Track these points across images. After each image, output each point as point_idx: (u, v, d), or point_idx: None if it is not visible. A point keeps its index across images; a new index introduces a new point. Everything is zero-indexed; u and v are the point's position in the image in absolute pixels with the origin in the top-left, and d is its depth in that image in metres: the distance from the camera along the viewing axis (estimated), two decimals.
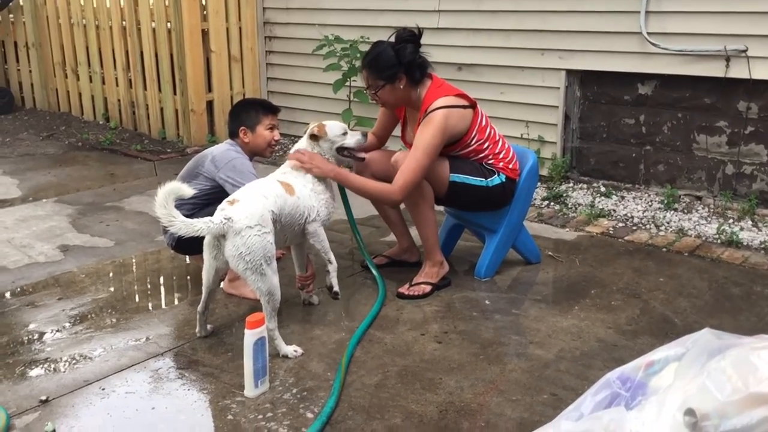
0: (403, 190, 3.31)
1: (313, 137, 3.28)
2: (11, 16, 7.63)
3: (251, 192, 2.97)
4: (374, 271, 3.64)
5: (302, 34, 6.39)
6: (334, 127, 3.33)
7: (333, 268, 3.23)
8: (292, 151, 3.31)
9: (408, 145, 3.64)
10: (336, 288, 3.24)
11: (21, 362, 2.93)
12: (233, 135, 3.56)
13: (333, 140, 3.31)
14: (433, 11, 5.53)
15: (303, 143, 3.32)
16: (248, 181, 3.25)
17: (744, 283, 3.63)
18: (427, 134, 3.30)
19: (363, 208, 4.16)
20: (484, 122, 3.50)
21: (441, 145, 3.34)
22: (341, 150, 3.34)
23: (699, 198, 4.76)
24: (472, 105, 3.45)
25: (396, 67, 3.37)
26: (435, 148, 3.32)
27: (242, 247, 2.79)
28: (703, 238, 4.22)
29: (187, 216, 2.78)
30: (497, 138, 3.56)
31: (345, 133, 3.34)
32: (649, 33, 4.64)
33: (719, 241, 4.16)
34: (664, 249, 4.09)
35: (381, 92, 3.44)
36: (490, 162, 3.52)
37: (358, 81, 5.47)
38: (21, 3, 7.48)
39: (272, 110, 3.61)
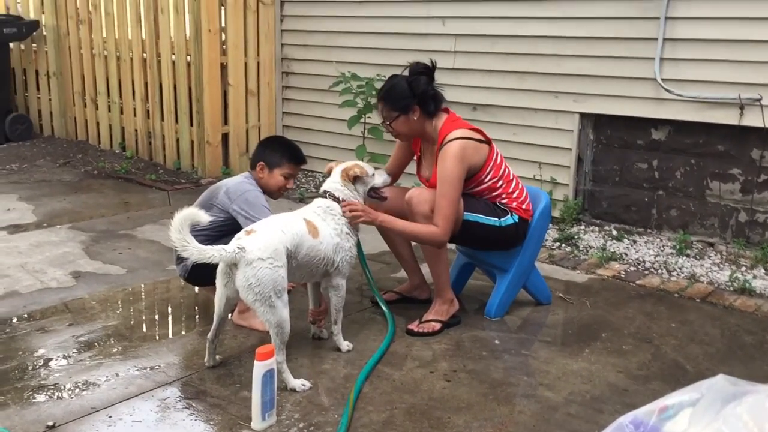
0: (445, 228, 3.31)
1: (357, 179, 3.29)
2: (34, 45, 7.78)
3: (270, 225, 2.97)
4: (384, 307, 3.64)
5: (319, 70, 6.48)
6: (366, 167, 3.37)
7: (337, 329, 3.26)
8: (322, 191, 3.28)
9: (424, 180, 3.66)
10: (344, 348, 3.26)
11: (29, 387, 2.93)
12: (253, 166, 3.57)
13: (367, 181, 3.34)
14: (449, 52, 5.60)
15: (337, 185, 3.26)
16: (261, 215, 3.26)
17: (757, 331, 3.60)
18: (447, 166, 3.32)
19: (373, 244, 4.16)
20: (498, 160, 3.53)
21: (463, 175, 3.35)
22: (370, 190, 3.36)
23: (711, 244, 4.74)
24: (488, 141, 3.49)
25: (409, 98, 3.42)
26: (458, 179, 3.33)
27: (252, 278, 2.79)
28: (716, 285, 4.19)
29: None
30: (511, 177, 3.58)
31: (373, 174, 3.39)
32: (663, 79, 4.68)
33: (732, 288, 4.13)
34: (676, 294, 4.07)
35: (395, 123, 3.48)
36: (504, 201, 3.53)
37: (373, 118, 5.53)
38: (44, 33, 7.64)
39: (297, 161, 3.57)
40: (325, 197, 3.25)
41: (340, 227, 3.18)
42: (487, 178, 3.48)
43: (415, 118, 3.44)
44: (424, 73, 3.46)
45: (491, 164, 3.47)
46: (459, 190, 3.35)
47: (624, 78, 4.87)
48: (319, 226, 3.11)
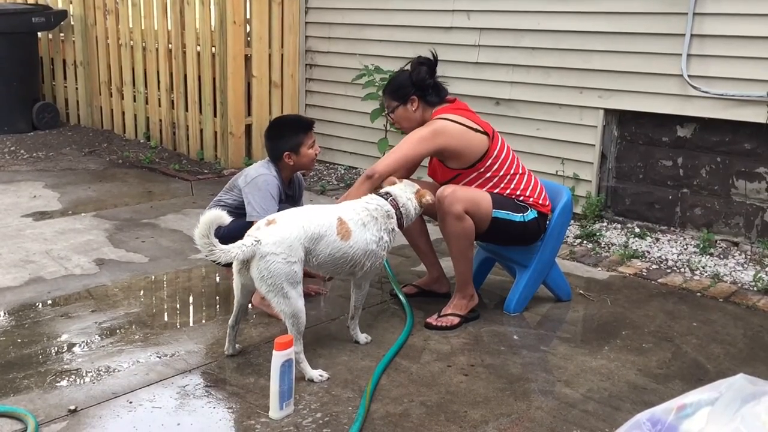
0: (381, 168, 3.33)
1: (423, 206, 3.32)
2: (62, 35, 7.86)
3: (292, 218, 2.96)
4: (403, 300, 3.64)
5: (343, 63, 6.48)
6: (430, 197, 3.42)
7: (354, 324, 3.28)
8: (385, 192, 3.24)
9: (435, 177, 3.66)
10: (362, 341, 3.28)
11: (52, 371, 2.97)
12: (276, 160, 3.59)
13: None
14: (473, 46, 5.58)
15: (407, 200, 3.23)
16: (259, 199, 3.38)
17: None
18: (416, 133, 3.39)
19: None
20: (504, 153, 3.51)
21: (426, 149, 3.39)
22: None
23: (736, 244, 4.68)
24: (486, 133, 3.47)
25: (408, 88, 3.48)
26: (422, 141, 3.37)
27: (264, 270, 2.82)
28: (739, 285, 4.14)
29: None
30: (521, 171, 3.56)
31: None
32: (690, 76, 4.62)
33: (755, 288, 4.08)
34: (699, 293, 4.03)
35: (395, 114, 3.55)
36: (521, 198, 3.52)
37: None
38: (72, 23, 7.72)
39: (309, 127, 3.64)
40: (386, 200, 3.18)
41: (380, 235, 3.13)
42: (489, 173, 3.47)
43: (414, 108, 3.49)
44: (424, 63, 3.51)
45: (492, 156, 3.46)
46: (415, 151, 3.37)
47: (650, 74, 4.82)
48: (353, 229, 3.04)
